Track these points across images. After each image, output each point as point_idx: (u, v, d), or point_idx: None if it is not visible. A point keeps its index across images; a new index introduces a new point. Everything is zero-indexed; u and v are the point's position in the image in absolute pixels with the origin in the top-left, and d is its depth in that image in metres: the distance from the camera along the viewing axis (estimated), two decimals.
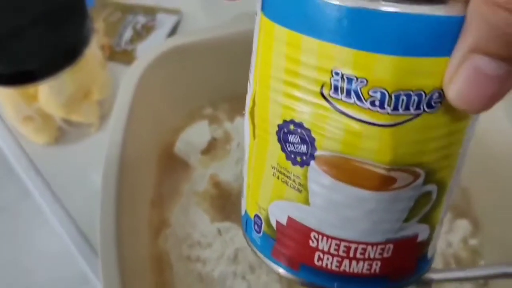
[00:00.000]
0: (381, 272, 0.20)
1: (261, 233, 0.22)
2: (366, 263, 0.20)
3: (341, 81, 0.17)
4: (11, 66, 0.42)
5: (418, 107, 0.17)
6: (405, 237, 0.20)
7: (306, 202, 0.19)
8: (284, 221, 0.20)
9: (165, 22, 0.57)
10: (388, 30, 0.16)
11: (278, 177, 0.20)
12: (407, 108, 0.17)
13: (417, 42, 0.16)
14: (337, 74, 0.17)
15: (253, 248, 0.23)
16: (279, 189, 0.20)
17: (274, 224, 0.21)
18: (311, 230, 0.20)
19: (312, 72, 0.17)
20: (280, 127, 0.19)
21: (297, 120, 0.18)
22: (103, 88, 0.50)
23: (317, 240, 0.20)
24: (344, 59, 0.17)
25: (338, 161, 0.18)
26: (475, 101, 0.16)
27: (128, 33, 0.56)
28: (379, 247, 0.20)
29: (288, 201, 0.20)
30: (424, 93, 0.17)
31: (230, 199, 0.42)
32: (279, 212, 0.21)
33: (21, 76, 0.42)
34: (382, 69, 0.16)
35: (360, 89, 0.17)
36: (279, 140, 0.19)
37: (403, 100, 0.17)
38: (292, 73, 0.18)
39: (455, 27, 0.16)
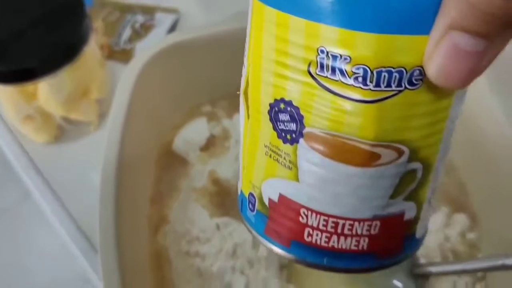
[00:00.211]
0: (368, 248, 0.20)
1: (255, 211, 0.22)
2: (354, 239, 0.20)
3: (327, 59, 0.17)
4: (10, 65, 0.42)
5: (399, 84, 0.17)
6: (392, 214, 0.20)
7: (296, 179, 0.20)
8: (276, 198, 0.21)
9: (164, 21, 0.58)
10: (369, 8, 0.16)
11: (270, 156, 0.21)
12: (388, 84, 0.17)
13: (397, 20, 0.16)
14: (322, 52, 0.17)
15: (248, 226, 0.23)
16: (271, 167, 0.21)
17: (267, 202, 0.21)
18: (301, 206, 0.20)
19: (300, 51, 0.18)
20: (271, 106, 0.20)
21: (287, 99, 0.19)
22: (102, 87, 0.50)
23: (307, 216, 0.20)
24: (329, 38, 0.17)
25: (325, 138, 0.19)
26: (454, 77, 0.16)
27: (126, 33, 0.56)
28: (366, 223, 0.20)
29: (279, 178, 0.21)
30: (405, 70, 0.17)
31: (229, 195, 0.43)
32: (271, 190, 0.21)
33: (21, 74, 0.43)
34: (364, 46, 0.17)
35: (344, 66, 0.17)
36: (270, 119, 0.20)
37: (384, 76, 0.17)
38: (281, 53, 0.19)
39: (434, 5, 0.16)
